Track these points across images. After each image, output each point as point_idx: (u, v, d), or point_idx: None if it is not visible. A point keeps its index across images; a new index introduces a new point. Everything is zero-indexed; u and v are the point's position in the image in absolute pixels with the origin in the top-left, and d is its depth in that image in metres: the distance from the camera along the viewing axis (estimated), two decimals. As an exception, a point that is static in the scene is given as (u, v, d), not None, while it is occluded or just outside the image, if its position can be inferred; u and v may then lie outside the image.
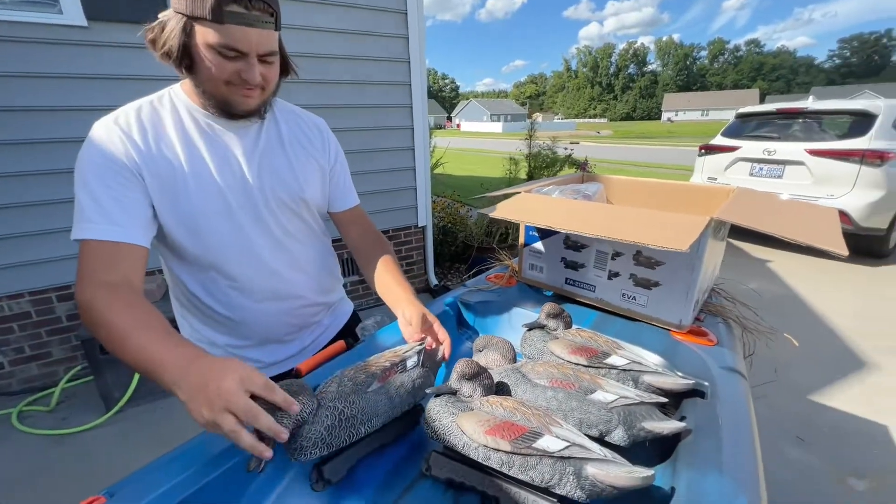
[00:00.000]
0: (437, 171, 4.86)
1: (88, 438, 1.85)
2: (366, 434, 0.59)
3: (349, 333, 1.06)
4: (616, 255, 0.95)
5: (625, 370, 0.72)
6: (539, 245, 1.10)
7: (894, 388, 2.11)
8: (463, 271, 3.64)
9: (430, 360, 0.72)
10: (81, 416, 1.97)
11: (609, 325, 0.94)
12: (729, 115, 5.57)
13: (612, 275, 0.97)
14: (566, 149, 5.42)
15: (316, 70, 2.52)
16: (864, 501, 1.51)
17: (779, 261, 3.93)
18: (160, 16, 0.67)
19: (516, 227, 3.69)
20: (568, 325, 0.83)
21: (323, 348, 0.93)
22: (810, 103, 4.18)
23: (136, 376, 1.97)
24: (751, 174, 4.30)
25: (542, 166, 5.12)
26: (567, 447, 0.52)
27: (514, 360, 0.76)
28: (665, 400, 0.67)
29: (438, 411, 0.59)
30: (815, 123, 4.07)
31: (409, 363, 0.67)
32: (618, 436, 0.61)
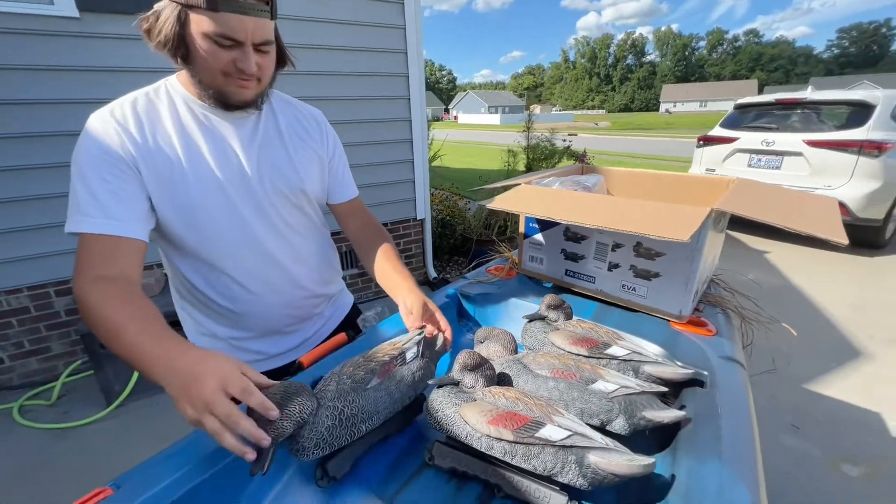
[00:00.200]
0: (434, 163, 4.84)
1: (90, 432, 1.86)
2: (367, 431, 0.59)
3: (350, 325, 1.06)
4: (616, 246, 0.95)
5: (625, 360, 0.72)
6: (539, 237, 1.10)
7: (891, 378, 2.13)
8: (462, 264, 3.64)
9: (430, 350, 0.72)
10: (82, 409, 1.98)
11: (609, 316, 0.94)
12: (727, 106, 5.56)
13: (613, 266, 0.97)
14: (564, 140, 5.40)
15: (312, 61, 2.50)
16: (858, 487, 1.54)
17: (776, 252, 3.95)
18: (155, 6, 0.66)
19: (515, 219, 3.69)
20: (568, 317, 0.83)
21: (324, 340, 0.93)
22: (809, 93, 4.17)
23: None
24: (749, 165, 4.30)
25: (540, 158, 5.10)
26: (569, 436, 0.53)
27: (516, 352, 0.77)
28: (665, 389, 0.67)
29: (441, 402, 0.59)
30: (814, 114, 4.07)
31: (409, 355, 0.67)
32: (619, 425, 0.62)
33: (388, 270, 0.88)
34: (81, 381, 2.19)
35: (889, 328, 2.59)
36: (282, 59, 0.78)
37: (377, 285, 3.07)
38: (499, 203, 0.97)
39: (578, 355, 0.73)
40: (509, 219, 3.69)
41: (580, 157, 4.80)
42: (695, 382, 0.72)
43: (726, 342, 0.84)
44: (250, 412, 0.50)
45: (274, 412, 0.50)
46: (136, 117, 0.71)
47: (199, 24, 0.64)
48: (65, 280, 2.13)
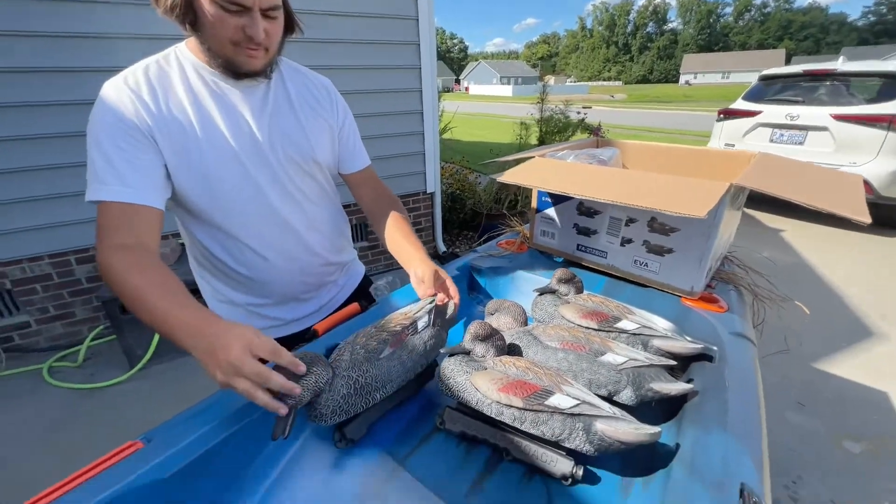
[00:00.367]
0: (444, 136, 4.76)
1: (115, 393, 1.96)
2: (381, 398, 0.61)
3: (363, 294, 1.08)
4: (630, 221, 0.94)
5: (635, 334, 0.73)
6: (551, 211, 1.09)
7: (899, 357, 2.12)
8: (471, 239, 3.64)
9: (441, 318, 0.73)
10: (107, 371, 2.07)
11: (620, 292, 0.94)
12: (751, 78, 5.31)
13: (625, 241, 0.97)
14: (579, 113, 5.24)
15: (321, 29, 2.43)
16: (861, 464, 1.56)
17: (793, 230, 3.87)
18: None
19: (526, 193, 3.65)
20: (579, 291, 0.83)
21: (338, 308, 0.95)
22: (840, 64, 3.95)
23: (157, 335, 2.05)
24: (771, 140, 4.15)
25: (553, 131, 4.97)
26: (577, 405, 0.54)
27: (526, 324, 0.78)
28: (673, 363, 0.68)
29: (453, 370, 0.61)
30: (843, 86, 3.87)
31: (420, 324, 0.69)
32: (626, 395, 0.63)
33: (400, 240, 0.88)
34: (104, 346, 2.29)
35: (904, 309, 2.55)
36: (290, 26, 0.76)
37: (387, 258, 3.11)
38: (511, 176, 0.96)
39: (588, 328, 0.74)
40: (520, 193, 3.65)
41: (595, 131, 4.67)
42: (703, 357, 0.72)
43: (737, 319, 0.84)
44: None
45: (302, 367, 0.53)
46: (150, 85, 0.70)
47: None
48: (84, 248, 2.19)
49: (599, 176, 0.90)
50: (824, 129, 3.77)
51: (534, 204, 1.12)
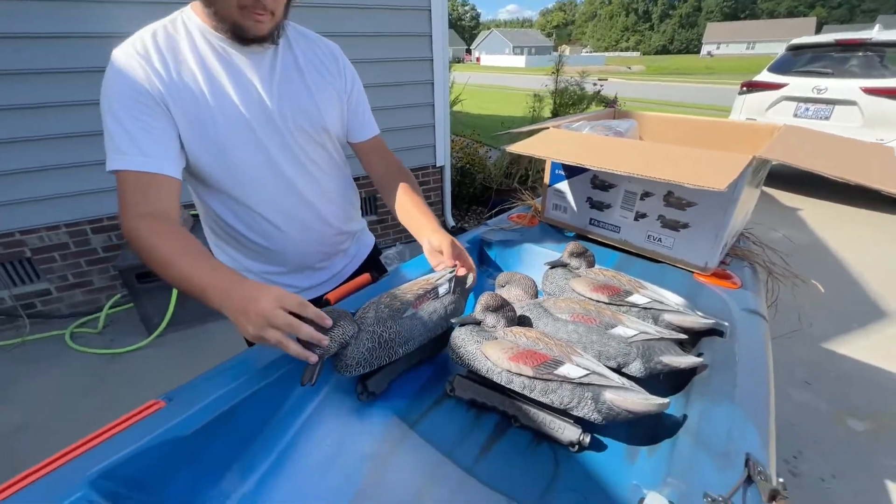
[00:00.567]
0: (455, 108, 4.65)
1: (134, 358, 2.03)
2: (403, 354, 0.64)
3: (373, 263, 1.10)
4: (645, 195, 0.92)
5: (646, 308, 0.73)
6: (564, 185, 1.07)
7: (912, 339, 2.10)
8: (480, 214, 3.61)
9: (460, 287, 0.75)
10: (126, 338, 2.14)
11: (632, 266, 0.93)
12: (777, 48, 5.04)
13: (640, 216, 0.95)
14: (595, 85, 5.07)
15: (329, -8, 2.35)
16: (862, 442, 1.58)
17: (811, 209, 3.77)
18: None
19: (537, 168, 3.59)
20: (591, 265, 0.83)
21: (350, 278, 0.97)
22: (875, 33, 3.73)
23: (172, 304, 2.11)
24: (795, 115, 3.98)
25: (567, 104, 4.82)
26: (587, 375, 0.55)
27: (536, 296, 0.78)
28: (684, 337, 0.68)
29: (464, 339, 0.62)
30: (877, 57, 3.66)
31: (441, 290, 0.71)
32: (635, 367, 0.63)
33: (412, 210, 0.87)
34: (122, 313, 2.36)
35: (921, 291, 2.50)
36: None
37: (396, 232, 3.11)
38: (524, 147, 0.94)
39: (599, 302, 0.73)
40: (531, 168, 3.59)
41: (611, 104, 4.52)
42: (714, 332, 0.72)
43: (750, 295, 0.83)
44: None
45: (328, 321, 0.57)
46: (159, 52, 0.69)
47: None
48: (98, 218, 2.22)
49: (616, 148, 0.88)
50: (853, 103, 3.60)
51: (546, 177, 1.10)
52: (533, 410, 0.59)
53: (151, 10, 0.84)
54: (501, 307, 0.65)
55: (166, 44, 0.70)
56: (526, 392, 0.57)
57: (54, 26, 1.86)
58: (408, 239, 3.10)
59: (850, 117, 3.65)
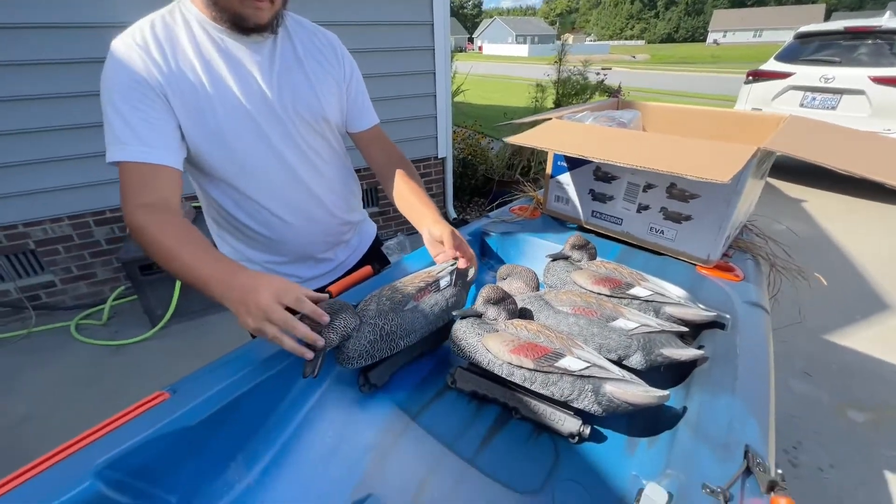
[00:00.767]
0: (457, 98, 4.60)
1: (139, 349, 2.05)
2: (405, 346, 0.64)
3: (376, 253, 1.11)
4: (648, 187, 0.92)
5: (647, 301, 0.73)
6: (566, 176, 1.06)
7: (914, 331, 2.10)
8: (482, 206, 3.60)
9: (462, 280, 0.75)
10: (130, 330, 2.16)
11: (634, 259, 0.93)
12: (785, 36, 4.96)
13: (642, 208, 0.94)
14: (598, 74, 5.00)
15: (329, -20, 2.31)
16: (862, 433, 1.58)
17: (815, 200, 3.74)
18: None
19: (539, 159, 3.56)
20: (592, 257, 0.83)
21: (352, 269, 0.98)
22: (886, 20, 3.65)
23: (176, 295, 2.12)
24: (801, 105, 3.93)
25: (570, 94, 4.77)
26: (587, 367, 0.55)
27: (538, 289, 0.78)
28: (685, 329, 0.68)
29: (465, 331, 0.62)
30: (887, 45, 3.60)
31: (443, 283, 0.71)
32: (636, 360, 0.64)
33: (412, 200, 0.87)
34: (126, 305, 2.37)
35: (924, 283, 2.49)
36: None
37: (397, 224, 3.10)
38: (526, 139, 0.93)
39: (600, 294, 0.73)
40: (533, 159, 3.56)
41: (615, 93, 4.47)
42: (716, 325, 0.72)
43: (752, 288, 0.83)
44: (303, 320, 0.57)
45: (325, 318, 0.57)
46: (158, 42, 0.69)
47: None
48: (100, 211, 2.23)
49: (619, 139, 0.87)
50: (860, 92, 3.55)
51: (548, 169, 1.09)
52: (534, 402, 0.60)
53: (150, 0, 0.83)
54: (503, 300, 0.65)
55: (165, 34, 0.70)
56: (527, 384, 0.57)
57: (56, 16, 1.84)
58: (409, 230, 3.10)
59: (857, 107, 3.60)
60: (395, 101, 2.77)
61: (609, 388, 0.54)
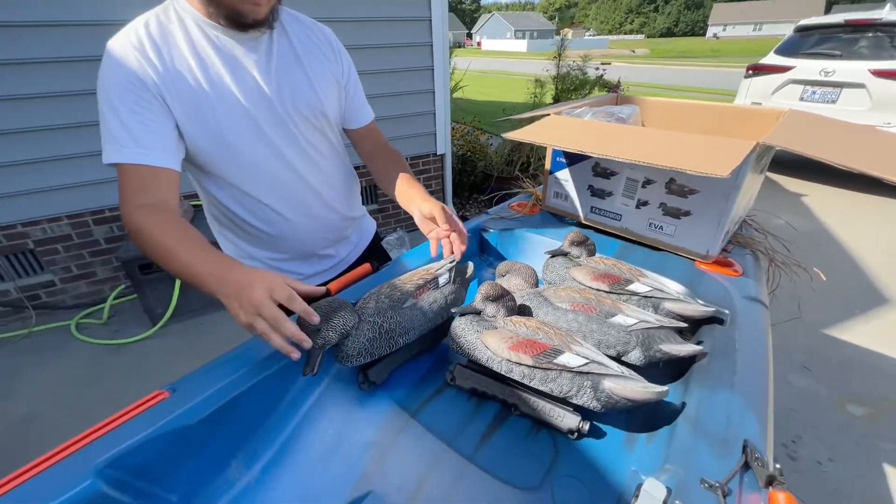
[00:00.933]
0: (455, 95, 4.58)
1: (140, 349, 2.06)
2: (404, 344, 0.65)
3: (375, 249, 1.11)
4: (647, 182, 0.92)
5: (646, 297, 0.73)
6: (565, 172, 1.06)
7: (913, 324, 2.10)
8: (482, 202, 3.60)
9: (461, 277, 0.75)
10: (131, 329, 2.17)
11: (633, 255, 0.93)
12: (785, 30, 4.93)
13: (641, 203, 0.94)
14: (597, 69, 4.98)
15: (326, -24, 2.29)
16: (861, 426, 1.59)
17: (815, 194, 3.74)
18: None
19: (538, 156, 3.55)
20: (591, 254, 0.82)
21: (352, 266, 0.99)
22: (886, 13, 3.63)
23: (176, 295, 2.12)
24: (801, 98, 3.92)
25: (569, 89, 4.75)
26: (586, 364, 0.55)
27: (537, 286, 0.78)
28: (684, 325, 0.68)
29: (464, 328, 0.62)
30: (887, 38, 3.58)
31: (441, 280, 0.71)
32: (634, 356, 0.64)
33: (401, 182, 0.89)
34: (127, 304, 2.38)
35: (924, 277, 2.49)
36: None
37: (396, 220, 3.09)
38: (525, 134, 0.93)
39: (599, 290, 0.73)
40: (532, 155, 3.55)
41: (614, 88, 4.45)
42: (715, 320, 0.72)
43: (752, 283, 0.83)
44: (299, 322, 0.57)
45: (315, 318, 0.56)
46: (153, 42, 0.68)
47: None
48: (99, 210, 2.22)
49: (618, 134, 0.87)
50: (861, 85, 3.53)
51: (548, 164, 1.09)
52: (533, 399, 0.60)
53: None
54: (501, 297, 0.65)
55: (160, 34, 0.69)
56: (526, 381, 0.57)
57: (56, 14, 1.83)
58: (409, 227, 3.09)
59: (857, 101, 3.59)
60: (393, 97, 2.76)
61: (608, 385, 0.54)
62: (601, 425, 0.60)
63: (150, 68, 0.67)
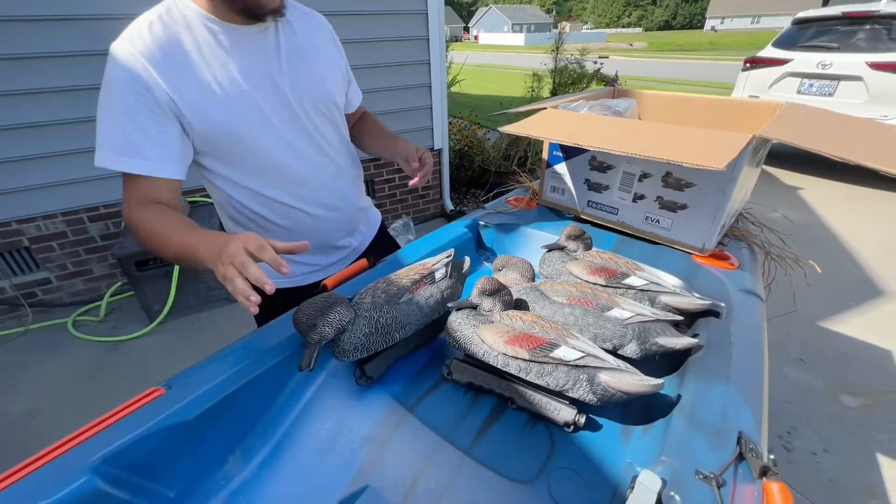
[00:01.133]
0: (453, 89, 4.55)
1: (137, 345, 2.05)
2: (400, 339, 0.65)
3: (384, 236, 1.13)
4: (644, 176, 0.91)
5: (642, 290, 0.73)
6: (562, 166, 1.06)
7: (908, 316, 2.12)
8: (479, 197, 3.59)
9: (457, 272, 0.75)
10: (128, 326, 2.16)
11: (629, 249, 0.93)
12: (783, 22, 4.91)
13: (637, 197, 0.94)
14: (595, 63, 4.95)
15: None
16: (855, 417, 1.60)
17: (812, 188, 3.74)
18: None
19: (535, 150, 3.54)
20: (588, 247, 0.82)
21: (364, 252, 1.03)
22: (883, 5, 3.63)
23: (173, 291, 2.11)
24: (798, 91, 3.91)
25: (567, 83, 4.72)
26: (582, 357, 0.55)
27: (533, 280, 0.78)
28: (680, 318, 0.68)
29: (460, 323, 0.62)
30: (885, 31, 3.57)
31: (438, 275, 0.71)
32: (630, 349, 0.64)
33: (380, 137, 1.02)
34: (124, 301, 2.37)
35: (919, 269, 2.51)
36: None
37: (394, 215, 3.07)
38: (521, 128, 0.92)
39: (596, 284, 0.73)
40: (529, 150, 3.54)
41: (611, 82, 4.43)
42: (710, 313, 0.72)
43: (748, 276, 0.83)
44: (295, 317, 0.58)
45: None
46: (158, 45, 0.67)
47: None
48: (94, 207, 2.21)
49: (614, 127, 0.86)
50: (858, 78, 3.53)
51: (544, 158, 1.09)
52: (529, 392, 0.60)
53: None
54: (497, 291, 0.65)
55: (166, 37, 0.67)
56: (522, 375, 0.57)
57: (52, 9, 1.80)
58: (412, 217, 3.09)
59: (854, 93, 3.58)
60: (389, 92, 2.74)
61: (604, 378, 0.55)
62: (597, 418, 0.60)
63: (159, 75, 0.66)
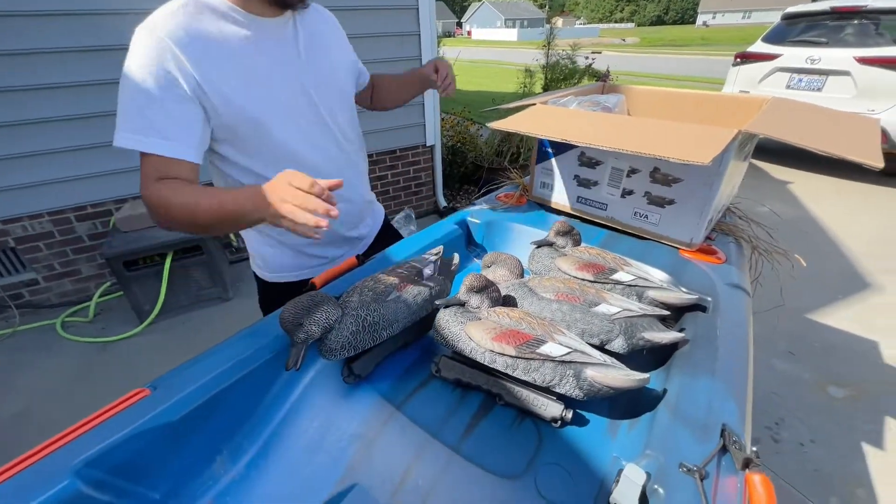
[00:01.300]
0: (445, 85, 4.53)
1: (127, 346, 2.03)
2: (388, 337, 0.64)
3: (388, 229, 1.15)
4: (632, 171, 0.92)
5: (630, 286, 0.73)
6: (552, 162, 1.06)
7: (894, 306, 2.15)
8: (472, 193, 3.59)
9: (445, 269, 0.75)
10: (118, 326, 2.14)
11: (618, 244, 0.94)
12: (773, 17, 4.95)
13: (626, 193, 0.94)
14: (587, 58, 4.95)
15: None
16: (840, 407, 1.63)
17: (800, 182, 3.78)
18: None
19: (528, 146, 3.54)
20: (577, 243, 0.83)
21: (371, 244, 1.05)
22: (871, 1, 3.66)
23: (163, 291, 2.09)
24: (788, 86, 3.94)
25: (559, 78, 4.72)
26: (568, 353, 0.55)
27: (522, 276, 0.78)
28: (666, 313, 0.69)
29: (448, 320, 0.62)
30: (872, 25, 3.61)
31: (426, 272, 0.71)
32: (617, 344, 0.64)
33: (397, 80, 1.08)
34: (113, 301, 2.34)
35: (904, 261, 2.55)
36: None
37: (395, 208, 3.06)
38: (510, 124, 0.92)
39: (584, 280, 0.74)
40: (522, 146, 3.54)
41: (603, 77, 4.43)
42: (697, 307, 0.73)
43: (734, 270, 0.84)
44: (282, 320, 0.57)
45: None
46: (185, 30, 0.67)
47: None
48: (81, 206, 2.18)
49: (603, 123, 0.87)
50: (846, 73, 3.56)
51: (534, 154, 1.09)
52: (517, 389, 0.60)
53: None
54: (486, 288, 0.65)
55: (193, 23, 0.68)
56: (509, 371, 0.57)
57: (49, 4, 1.76)
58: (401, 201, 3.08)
59: (843, 88, 3.62)
60: (381, 88, 2.72)
61: (590, 373, 0.55)
62: (584, 413, 0.61)
63: (186, 59, 0.66)
